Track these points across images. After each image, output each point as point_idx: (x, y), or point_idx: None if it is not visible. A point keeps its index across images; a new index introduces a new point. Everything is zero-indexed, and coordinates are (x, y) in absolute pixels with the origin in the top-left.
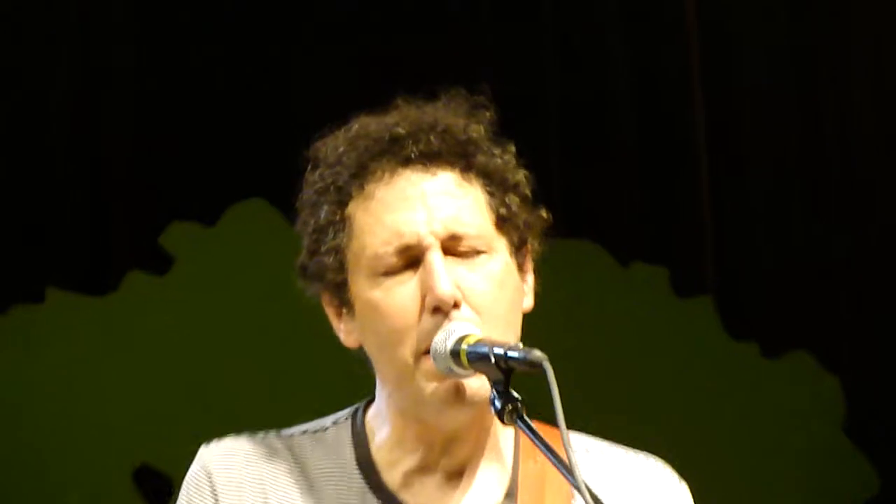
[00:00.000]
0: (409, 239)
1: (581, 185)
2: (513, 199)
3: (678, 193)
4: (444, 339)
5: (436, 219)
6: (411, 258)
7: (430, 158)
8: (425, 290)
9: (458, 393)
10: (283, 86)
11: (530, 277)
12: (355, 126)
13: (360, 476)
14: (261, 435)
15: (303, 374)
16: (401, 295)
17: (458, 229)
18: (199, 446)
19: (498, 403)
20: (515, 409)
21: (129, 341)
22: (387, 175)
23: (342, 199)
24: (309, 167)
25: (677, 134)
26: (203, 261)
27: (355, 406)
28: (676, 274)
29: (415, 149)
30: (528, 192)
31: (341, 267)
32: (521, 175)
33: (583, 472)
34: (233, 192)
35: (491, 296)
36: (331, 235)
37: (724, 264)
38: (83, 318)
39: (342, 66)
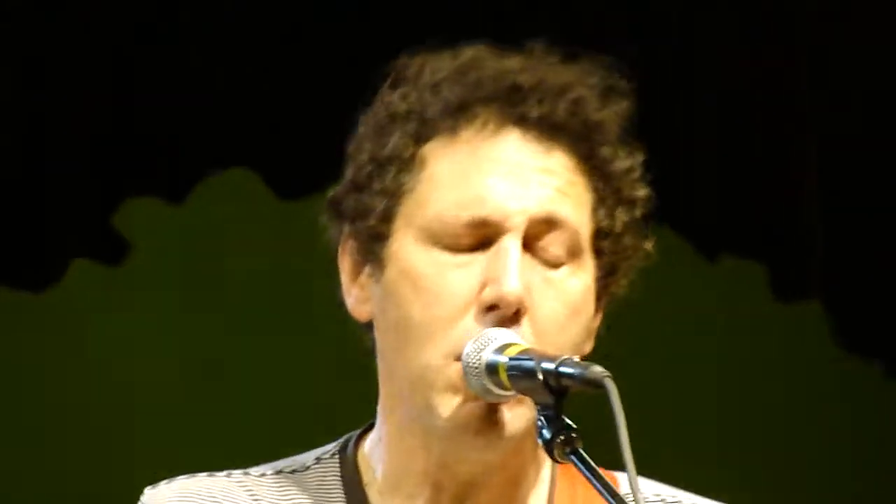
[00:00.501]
0: (493, 212)
1: (660, 159)
2: (622, 216)
3: (779, 174)
4: (479, 348)
5: (532, 196)
6: (484, 237)
7: (550, 128)
8: (487, 279)
9: (491, 420)
10: (273, 29)
11: (599, 318)
12: (468, 54)
13: None
14: (221, 475)
15: (293, 391)
16: (455, 277)
17: (557, 214)
18: (154, 475)
19: (547, 433)
20: (569, 440)
21: (77, 344)
22: (491, 126)
23: (423, 134)
24: (388, 82)
25: (778, 108)
26: (167, 247)
27: (345, 437)
28: (776, 272)
29: (536, 109)
30: (640, 214)
31: (388, 215)
32: (641, 191)
33: None
34: (206, 160)
35: (561, 320)
36: (391, 173)
37: (838, 263)
38: (18, 317)
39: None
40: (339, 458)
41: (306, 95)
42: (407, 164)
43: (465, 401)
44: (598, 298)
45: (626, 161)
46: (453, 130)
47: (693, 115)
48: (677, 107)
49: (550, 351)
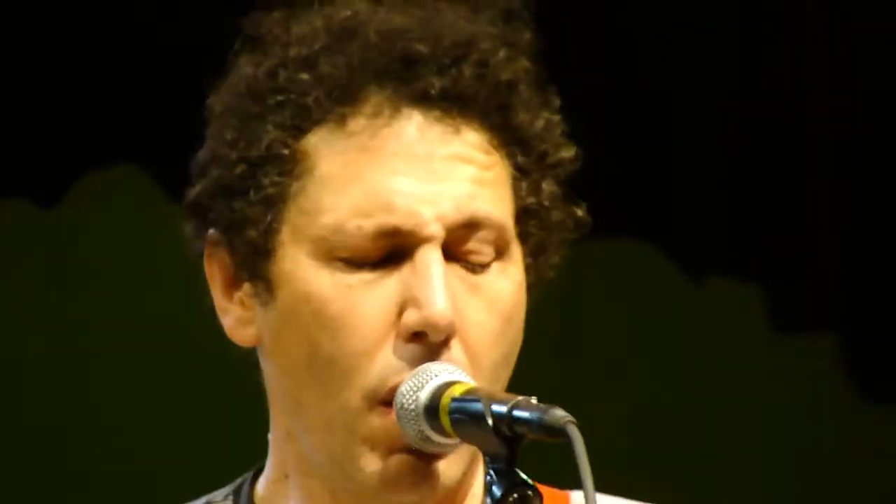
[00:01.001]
0: (403, 219)
1: (638, 163)
2: (548, 186)
3: (783, 181)
4: (415, 387)
5: (447, 195)
6: (394, 248)
7: (456, 103)
8: (407, 300)
9: (423, 473)
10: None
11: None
12: (343, 13)
13: None
14: None
15: (196, 420)
16: (366, 300)
17: (477, 214)
18: None
19: (497, 491)
20: (524, 499)
21: None
22: (386, 111)
23: (301, 125)
24: (241, 48)
25: (782, 105)
26: (37, 257)
27: (238, 481)
28: (776, 297)
29: (437, 81)
30: (566, 177)
31: (270, 227)
32: (567, 152)
33: None
34: (84, 157)
35: (493, 334)
36: (268, 175)
37: (858, 288)
38: None
39: None
40: (234, 501)
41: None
42: (286, 163)
43: (391, 452)
44: (528, 289)
45: (545, 120)
46: (340, 118)
47: (679, 113)
48: (658, 106)
49: (483, 376)
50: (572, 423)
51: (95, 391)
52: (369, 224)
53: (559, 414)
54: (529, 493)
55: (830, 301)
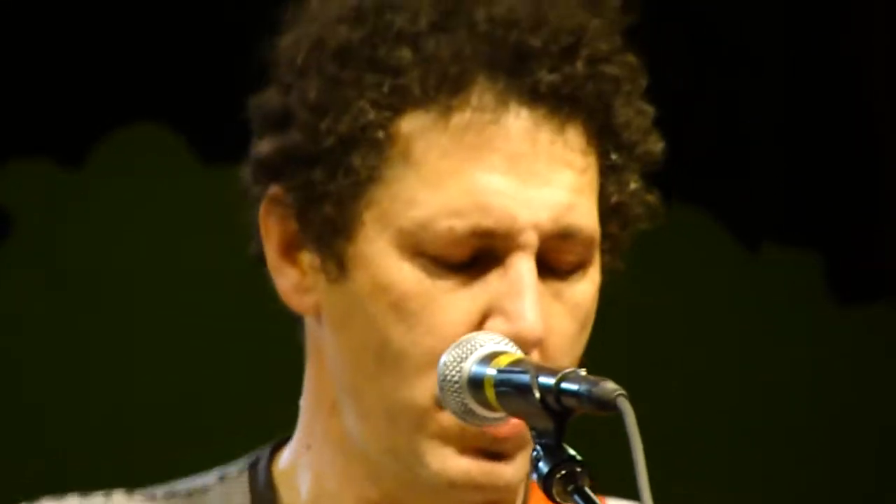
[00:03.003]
0: (497, 222)
1: (690, 128)
2: (633, 181)
3: (844, 140)
4: (460, 357)
5: (546, 204)
6: (485, 249)
7: (566, 102)
8: (494, 309)
9: (488, 475)
10: None
11: None
12: None
13: None
14: (98, 495)
15: (203, 383)
16: (450, 302)
17: (573, 227)
18: None
19: (544, 467)
20: (572, 476)
21: None
22: (492, 105)
23: (400, 105)
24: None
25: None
26: (59, 221)
27: (255, 453)
28: (836, 266)
29: (547, 77)
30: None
31: (353, 206)
32: (654, 143)
33: None
34: (108, 115)
35: (571, 340)
36: (360, 157)
37: None
38: None
39: None
40: (250, 475)
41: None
42: (381, 145)
43: (462, 452)
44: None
45: (643, 118)
46: (444, 108)
47: (735, 77)
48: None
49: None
50: (623, 395)
51: (119, 354)
52: (462, 225)
53: (610, 387)
54: (578, 469)
55: (893, 270)
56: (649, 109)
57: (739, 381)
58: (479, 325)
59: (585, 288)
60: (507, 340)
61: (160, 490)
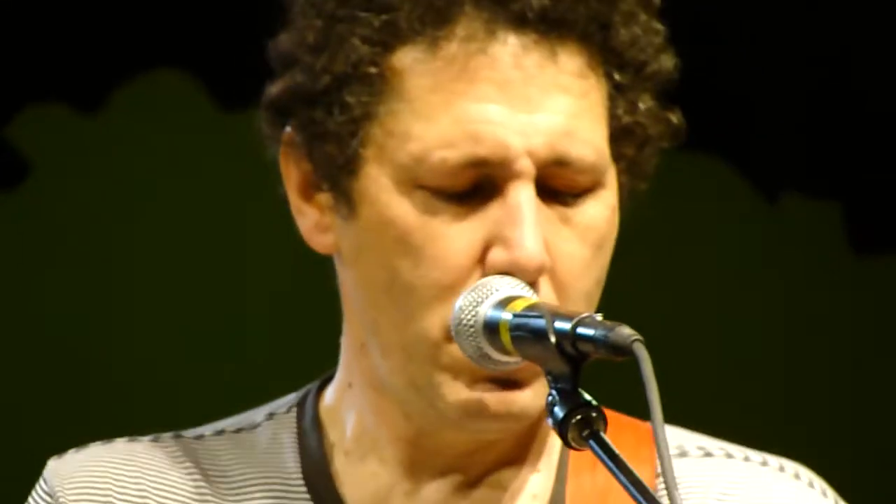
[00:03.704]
0: (490, 151)
1: (708, 76)
2: (645, 101)
3: (861, 97)
4: (475, 301)
5: (540, 130)
6: (483, 179)
7: (555, 26)
8: (494, 237)
9: (504, 404)
10: None
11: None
12: None
13: (307, 494)
14: (146, 439)
15: (221, 335)
16: (452, 234)
17: (570, 154)
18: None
19: (559, 412)
20: (588, 421)
21: None
22: (480, 34)
23: (391, 41)
24: None
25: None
26: (77, 168)
27: (304, 390)
28: (855, 217)
29: (534, 3)
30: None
31: (353, 143)
32: (666, 60)
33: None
34: (127, 61)
35: (584, 263)
36: (354, 94)
37: None
38: None
39: None
40: (297, 412)
41: None
42: (373, 81)
43: (475, 381)
44: (621, 206)
45: (651, 36)
46: (432, 40)
47: (755, 26)
48: (733, 19)
49: (570, 302)
50: (640, 341)
51: (141, 303)
52: (454, 156)
53: (626, 332)
54: (594, 414)
55: None
56: (659, 27)
57: (760, 332)
58: (482, 255)
59: (596, 211)
60: (523, 284)
61: (208, 428)
